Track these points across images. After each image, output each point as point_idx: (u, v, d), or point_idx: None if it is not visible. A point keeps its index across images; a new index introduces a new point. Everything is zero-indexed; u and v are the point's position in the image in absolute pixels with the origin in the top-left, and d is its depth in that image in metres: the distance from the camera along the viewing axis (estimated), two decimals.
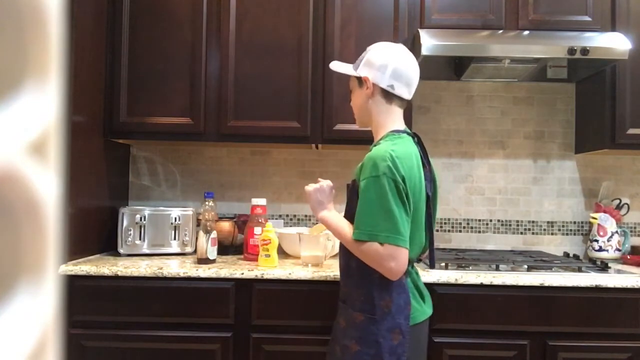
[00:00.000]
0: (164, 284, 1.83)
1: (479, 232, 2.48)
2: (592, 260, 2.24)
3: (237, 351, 1.83)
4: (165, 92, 2.14)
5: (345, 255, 1.41)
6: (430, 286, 1.55)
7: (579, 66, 2.22)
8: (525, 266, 1.92)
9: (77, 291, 1.83)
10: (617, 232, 2.32)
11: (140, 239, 2.12)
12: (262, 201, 2.08)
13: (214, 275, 1.82)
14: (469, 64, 2.16)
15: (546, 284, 1.79)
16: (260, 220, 2.04)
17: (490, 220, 2.49)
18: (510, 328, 1.81)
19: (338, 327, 1.42)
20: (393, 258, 1.26)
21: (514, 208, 2.49)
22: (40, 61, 0.28)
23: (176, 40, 2.15)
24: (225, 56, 2.14)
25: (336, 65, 1.53)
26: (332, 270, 1.85)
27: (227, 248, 2.20)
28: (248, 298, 1.84)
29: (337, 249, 2.14)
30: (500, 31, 2.11)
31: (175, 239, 2.16)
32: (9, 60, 0.27)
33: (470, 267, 1.92)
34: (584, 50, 1.97)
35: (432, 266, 1.52)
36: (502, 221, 2.49)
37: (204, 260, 1.92)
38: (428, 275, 1.78)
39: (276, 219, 2.46)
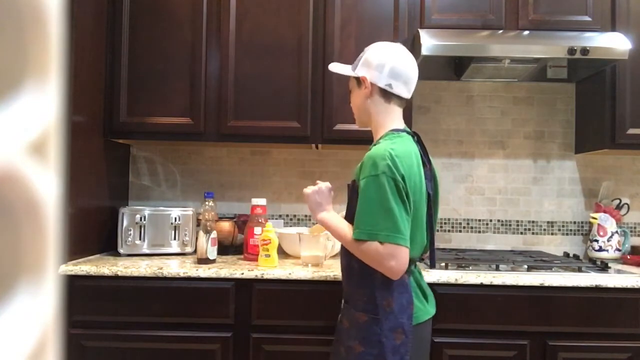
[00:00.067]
0: (164, 284, 1.83)
1: (479, 232, 2.48)
2: (592, 260, 2.24)
3: (237, 351, 1.83)
4: (165, 92, 2.14)
5: (346, 255, 1.41)
6: (430, 286, 1.55)
7: (579, 66, 2.22)
8: (525, 266, 1.92)
9: (77, 291, 1.83)
10: (617, 232, 2.32)
11: (140, 239, 2.12)
12: (262, 201, 2.08)
13: (214, 275, 1.82)
14: (469, 64, 2.16)
15: (546, 284, 1.79)
16: (260, 220, 2.04)
17: (490, 220, 2.49)
18: (510, 328, 1.81)
19: (342, 327, 1.42)
20: (393, 257, 1.26)
21: (514, 208, 2.49)
22: (40, 61, 0.28)
23: (176, 40, 2.15)
24: (225, 56, 2.14)
25: (335, 67, 1.54)
26: (332, 270, 1.85)
27: (227, 248, 2.20)
28: (248, 298, 1.84)
29: (337, 249, 2.14)
30: (500, 31, 2.11)
31: (175, 239, 2.16)
32: (9, 60, 0.27)
33: (470, 267, 1.92)
34: (584, 50, 1.97)
35: (432, 266, 1.52)
36: (502, 221, 2.49)
37: (204, 260, 1.92)
38: (428, 275, 1.78)
39: (276, 219, 2.46)
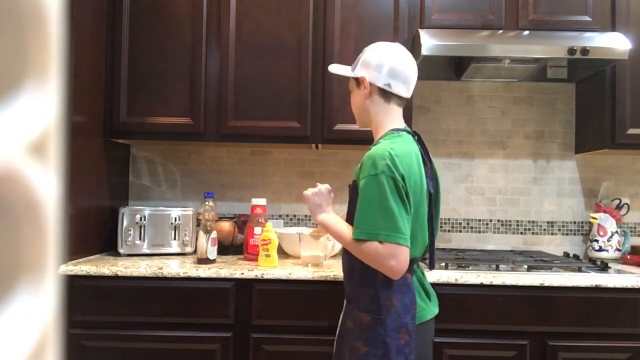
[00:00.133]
0: (164, 284, 1.83)
1: (479, 232, 2.48)
2: (592, 260, 2.24)
3: (237, 351, 1.83)
4: (165, 92, 2.14)
5: (347, 255, 1.41)
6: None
7: (579, 66, 2.22)
8: (525, 266, 1.92)
9: (77, 291, 1.83)
10: (617, 232, 2.32)
11: (140, 239, 2.12)
12: (262, 201, 2.08)
13: (214, 275, 1.82)
14: (469, 64, 2.16)
15: (546, 284, 1.79)
16: (260, 220, 2.04)
17: (490, 220, 2.49)
18: (510, 328, 1.81)
19: (345, 328, 1.42)
20: (393, 256, 1.26)
21: (514, 208, 2.49)
22: (40, 61, 0.28)
23: (176, 40, 2.15)
24: (225, 56, 2.14)
25: (335, 68, 1.54)
26: (332, 270, 1.85)
27: (227, 248, 2.20)
28: (248, 298, 1.84)
29: (337, 249, 2.14)
30: (500, 31, 2.11)
31: (175, 239, 2.16)
32: (9, 60, 0.27)
33: (470, 267, 1.92)
34: (584, 50, 1.97)
35: (431, 267, 1.51)
36: (502, 221, 2.49)
37: (204, 260, 1.92)
38: (428, 276, 1.78)
39: (276, 219, 2.46)
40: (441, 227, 2.47)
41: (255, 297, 1.83)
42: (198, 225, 2.11)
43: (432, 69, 2.27)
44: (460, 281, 1.80)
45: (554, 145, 2.50)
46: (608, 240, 2.30)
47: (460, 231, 2.49)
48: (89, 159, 2.04)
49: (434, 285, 1.77)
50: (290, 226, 2.46)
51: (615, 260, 2.29)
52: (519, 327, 1.81)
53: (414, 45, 2.09)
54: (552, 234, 2.48)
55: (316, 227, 2.10)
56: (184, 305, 1.83)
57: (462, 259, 2.04)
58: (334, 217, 1.45)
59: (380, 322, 1.32)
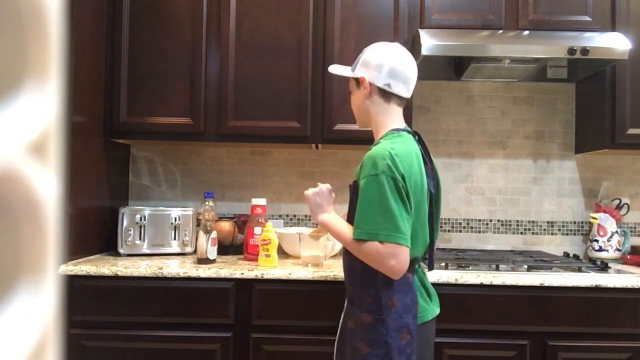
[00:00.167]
0: (164, 284, 1.83)
1: (479, 232, 2.48)
2: (592, 260, 2.24)
3: (237, 351, 1.83)
4: (165, 92, 2.14)
5: (348, 256, 1.41)
6: None
7: (579, 66, 2.22)
8: (525, 266, 1.92)
9: (77, 291, 1.83)
10: (617, 232, 2.32)
11: (140, 239, 2.12)
12: (262, 201, 2.08)
13: (214, 275, 1.82)
14: (469, 64, 2.16)
15: (546, 284, 1.79)
16: (260, 220, 2.04)
17: (490, 220, 2.49)
18: (510, 328, 1.81)
19: (347, 328, 1.42)
20: (393, 256, 1.26)
21: (514, 208, 2.49)
22: (40, 61, 0.28)
23: (176, 40, 2.15)
24: (225, 56, 2.14)
25: (335, 69, 1.54)
26: (332, 270, 1.85)
27: (227, 248, 2.20)
28: (248, 298, 1.84)
29: (337, 249, 2.14)
30: (500, 31, 2.11)
31: (175, 239, 2.16)
32: (9, 60, 0.27)
33: (470, 267, 1.92)
34: (584, 50, 1.97)
35: (430, 267, 1.51)
36: (502, 221, 2.49)
37: (204, 260, 1.92)
38: (428, 276, 1.78)
39: (276, 219, 2.46)
40: (441, 227, 2.47)
41: (255, 297, 1.83)
42: (198, 225, 2.11)
43: (432, 69, 2.27)
44: (460, 281, 1.80)
45: (554, 145, 2.50)
46: (608, 240, 2.30)
47: (460, 231, 2.49)
48: (89, 159, 2.04)
49: (434, 285, 1.76)
50: (290, 226, 2.46)
51: (615, 260, 2.29)
52: (519, 327, 1.81)
53: (414, 45, 2.09)
54: (552, 234, 2.48)
55: (316, 227, 2.10)
56: (184, 305, 1.83)
57: (462, 259, 2.04)
58: (335, 217, 1.45)
59: (382, 323, 1.32)
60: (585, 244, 2.46)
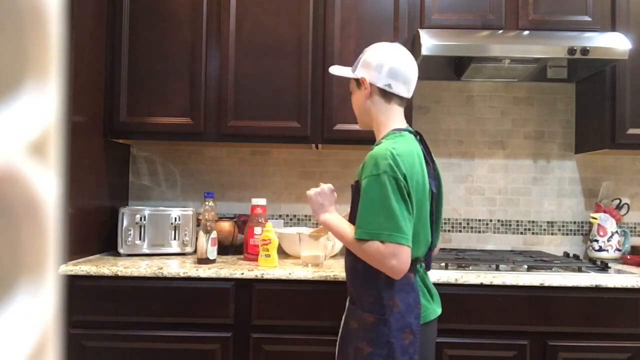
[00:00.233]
0: (164, 284, 1.83)
1: (479, 232, 2.48)
2: (592, 260, 2.24)
3: (237, 351, 1.83)
4: (165, 92, 2.14)
5: (351, 256, 1.41)
6: None
7: (579, 66, 2.22)
8: (525, 266, 1.92)
9: (77, 291, 1.83)
10: (617, 232, 2.32)
11: (140, 239, 2.12)
12: (262, 201, 2.08)
13: (214, 275, 1.82)
14: (469, 64, 2.16)
15: (546, 284, 1.79)
16: (260, 220, 2.04)
17: (490, 220, 2.49)
18: (510, 328, 1.81)
19: (349, 328, 1.42)
20: (394, 256, 1.26)
21: (514, 208, 2.49)
22: (40, 61, 0.28)
23: (176, 40, 2.15)
24: (225, 56, 2.14)
25: (335, 70, 1.54)
26: (332, 270, 1.85)
27: (227, 248, 2.20)
28: (248, 298, 1.84)
29: (337, 249, 2.14)
30: (500, 31, 2.11)
31: (175, 239, 2.16)
32: (9, 60, 0.27)
33: (470, 267, 1.92)
34: (584, 50, 1.97)
35: (427, 267, 1.50)
36: (502, 221, 2.49)
37: (204, 260, 1.92)
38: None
39: (276, 219, 2.46)
40: (442, 227, 2.47)
41: (255, 297, 1.83)
42: (198, 225, 2.11)
43: (432, 69, 2.27)
44: (460, 281, 1.80)
45: (554, 145, 2.50)
46: (608, 240, 2.30)
47: (460, 231, 2.49)
48: (89, 159, 2.04)
49: (434, 285, 1.77)
50: (290, 226, 2.46)
51: (615, 260, 2.29)
52: (519, 327, 1.81)
53: (414, 45, 2.09)
54: (552, 234, 2.48)
55: (316, 226, 2.10)
56: (184, 305, 1.83)
57: (462, 259, 2.04)
58: (336, 217, 1.46)
59: (384, 322, 1.32)
60: (585, 244, 2.46)
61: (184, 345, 1.82)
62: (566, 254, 2.36)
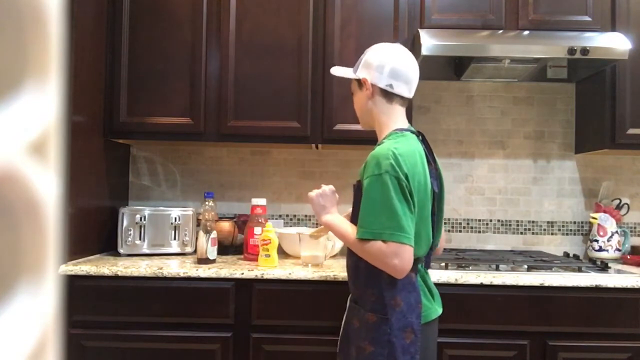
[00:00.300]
0: (164, 284, 1.83)
1: (479, 232, 2.48)
2: (592, 260, 2.24)
3: (237, 351, 1.83)
4: (165, 92, 2.14)
5: (353, 256, 1.41)
6: None
7: (579, 66, 2.22)
8: (525, 266, 1.92)
9: (77, 291, 1.83)
10: (617, 232, 2.32)
11: (140, 239, 2.12)
12: (262, 201, 2.08)
13: (214, 275, 1.82)
14: (469, 64, 2.16)
15: (546, 284, 1.79)
16: (260, 220, 2.04)
17: (490, 220, 2.49)
18: (510, 328, 1.81)
19: (351, 328, 1.42)
20: (397, 255, 1.26)
21: (514, 208, 2.49)
22: (40, 61, 0.28)
23: (176, 40, 2.15)
24: (225, 56, 2.14)
25: (336, 70, 1.55)
26: (332, 270, 1.85)
27: (227, 248, 2.20)
28: (248, 298, 1.84)
29: (337, 249, 2.14)
30: (500, 31, 2.11)
31: (175, 239, 2.16)
32: (9, 60, 0.27)
33: (470, 267, 1.92)
34: (584, 50, 1.96)
35: (427, 266, 1.51)
36: (502, 221, 2.49)
37: (204, 260, 1.92)
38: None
39: (276, 219, 2.46)
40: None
41: (255, 297, 1.83)
42: (198, 225, 2.11)
43: (432, 69, 2.27)
44: (460, 281, 1.80)
45: (554, 145, 2.50)
46: (608, 240, 2.30)
47: (460, 231, 2.49)
48: (89, 159, 2.04)
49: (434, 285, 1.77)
50: (290, 226, 2.46)
51: (615, 260, 2.29)
52: (519, 327, 1.81)
53: (414, 45, 2.09)
54: (552, 234, 2.48)
55: (317, 227, 2.10)
56: (184, 305, 1.83)
57: (462, 259, 2.04)
58: (338, 218, 1.46)
59: (386, 322, 1.32)
60: (585, 244, 2.46)
61: (184, 345, 1.82)
62: (566, 254, 2.36)
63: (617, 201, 2.42)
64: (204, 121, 2.15)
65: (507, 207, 2.49)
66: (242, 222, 2.19)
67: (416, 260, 1.35)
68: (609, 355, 1.80)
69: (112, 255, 2.10)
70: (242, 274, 1.82)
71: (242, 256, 2.09)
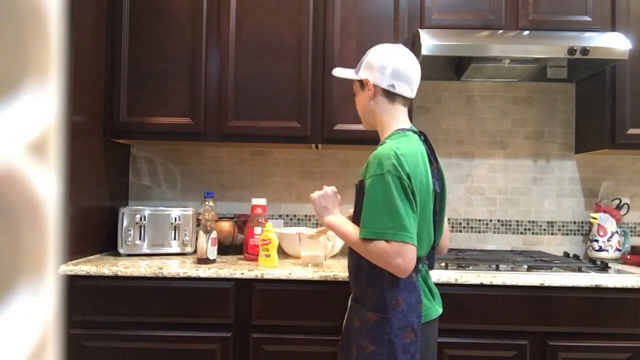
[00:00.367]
0: (164, 284, 1.83)
1: (479, 232, 2.48)
2: (592, 260, 2.24)
3: (237, 351, 1.83)
4: (165, 92, 2.14)
5: (355, 256, 1.42)
6: None
7: (579, 66, 2.22)
8: (525, 266, 1.92)
9: (77, 291, 1.83)
10: (617, 232, 2.32)
11: (140, 239, 2.12)
12: (262, 201, 2.08)
13: (214, 275, 1.82)
14: (469, 64, 2.16)
15: (546, 284, 1.79)
16: (260, 220, 2.04)
17: (490, 220, 2.49)
18: (510, 328, 1.81)
19: (352, 327, 1.42)
20: (400, 255, 1.27)
21: (514, 208, 2.49)
22: (40, 61, 0.28)
23: (176, 40, 2.15)
24: (225, 56, 2.14)
25: (338, 72, 1.55)
26: (332, 270, 1.85)
27: (227, 248, 2.20)
28: (248, 298, 1.84)
29: (337, 249, 2.14)
30: (500, 31, 2.11)
31: (175, 239, 2.16)
32: (9, 60, 0.27)
33: (470, 267, 1.92)
34: (584, 50, 1.96)
35: (430, 267, 1.51)
36: (502, 221, 2.49)
37: (204, 260, 1.92)
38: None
39: (276, 219, 2.46)
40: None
41: (255, 297, 1.83)
42: (198, 225, 2.11)
43: (432, 69, 2.27)
44: (460, 281, 1.80)
45: (554, 145, 2.50)
46: (608, 240, 2.30)
47: (460, 231, 2.49)
48: (89, 159, 2.04)
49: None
50: (290, 226, 2.46)
51: (615, 260, 2.29)
52: (519, 327, 1.81)
53: (414, 45, 2.09)
54: (552, 234, 2.48)
55: (317, 227, 2.10)
56: (184, 305, 1.83)
57: (462, 259, 2.04)
58: (340, 218, 1.46)
59: (386, 321, 1.32)
60: (585, 244, 2.46)
61: (184, 345, 1.82)
62: (566, 254, 2.36)
63: (617, 201, 2.42)
64: (204, 121, 2.15)
65: (507, 207, 2.49)
66: (242, 222, 2.19)
67: (417, 260, 1.35)
68: (609, 355, 1.80)
69: (112, 255, 2.10)
70: (242, 274, 1.82)
71: (242, 256, 2.09)
